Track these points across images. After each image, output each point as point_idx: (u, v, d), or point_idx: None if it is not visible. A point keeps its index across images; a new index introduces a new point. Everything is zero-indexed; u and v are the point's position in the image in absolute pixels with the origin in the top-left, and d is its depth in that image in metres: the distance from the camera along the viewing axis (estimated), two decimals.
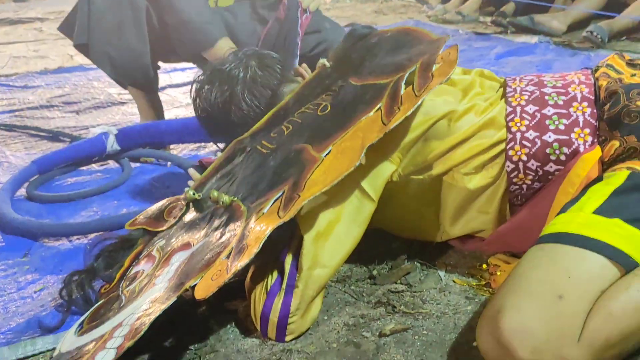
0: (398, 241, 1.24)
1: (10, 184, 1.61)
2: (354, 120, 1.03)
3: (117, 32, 1.76)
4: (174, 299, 0.91)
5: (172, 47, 1.85)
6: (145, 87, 1.92)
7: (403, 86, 1.04)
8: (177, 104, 2.37)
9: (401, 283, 1.12)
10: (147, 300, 0.96)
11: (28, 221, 1.43)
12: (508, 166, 1.05)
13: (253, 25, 1.86)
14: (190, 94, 1.34)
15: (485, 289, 1.08)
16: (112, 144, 1.77)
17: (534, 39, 2.91)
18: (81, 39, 1.79)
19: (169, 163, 1.78)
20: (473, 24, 3.57)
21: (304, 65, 1.40)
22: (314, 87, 1.22)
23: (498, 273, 1.10)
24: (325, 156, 0.99)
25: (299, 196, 0.94)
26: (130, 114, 2.31)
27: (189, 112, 2.20)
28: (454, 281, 1.12)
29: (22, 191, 1.64)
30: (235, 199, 1.04)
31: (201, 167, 1.43)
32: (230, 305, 1.08)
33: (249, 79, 1.28)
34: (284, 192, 0.97)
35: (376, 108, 1.03)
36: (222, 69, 1.30)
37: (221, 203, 1.03)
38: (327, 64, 1.26)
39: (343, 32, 1.98)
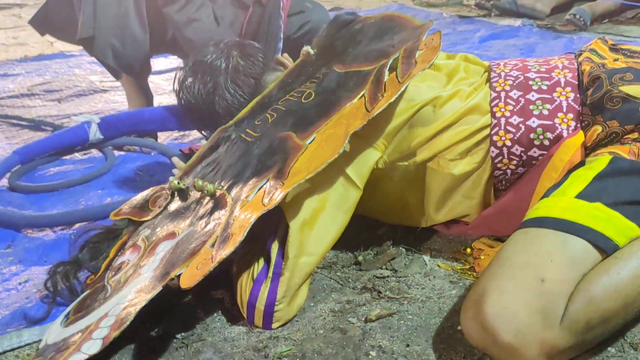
0: (383, 227, 1.24)
1: None
2: (338, 107, 1.02)
3: (122, 23, 1.75)
4: (159, 288, 0.91)
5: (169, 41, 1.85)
6: (141, 76, 1.90)
7: (387, 73, 1.04)
8: (160, 91, 2.34)
9: (386, 268, 1.12)
10: (133, 290, 0.96)
11: (11, 212, 1.41)
12: (492, 151, 1.06)
13: (234, 11, 1.84)
14: (173, 86, 1.33)
15: (469, 273, 1.09)
16: (94, 133, 1.75)
17: (517, 22, 2.91)
18: (87, 32, 1.75)
19: (153, 152, 1.77)
20: (457, 7, 3.56)
21: (285, 54, 1.39)
22: (297, 74, 1.22)
23: (482, 257, 1.11)
24: (310, 144, 0.99)
25: (283, 184, 0.94)
26: (113, 101, 2.28)
27: (172, 100, 2.18)
28: (438, 266, 1.13)
29: (4, 181, 1.62)
30: (220, 187, 1.03)
31: (185, 155, 1.42)
32: (216, 293, 1.09)
33: (231, 69, 1.27)
34: (268, 180, 0.97)
35: (360, 95, 1.03)
36: (204, 60, 1.29)
37: (205, 192, 1.03)
38: (311, 52, 1.26)
39: (325, 11, 1.97)
